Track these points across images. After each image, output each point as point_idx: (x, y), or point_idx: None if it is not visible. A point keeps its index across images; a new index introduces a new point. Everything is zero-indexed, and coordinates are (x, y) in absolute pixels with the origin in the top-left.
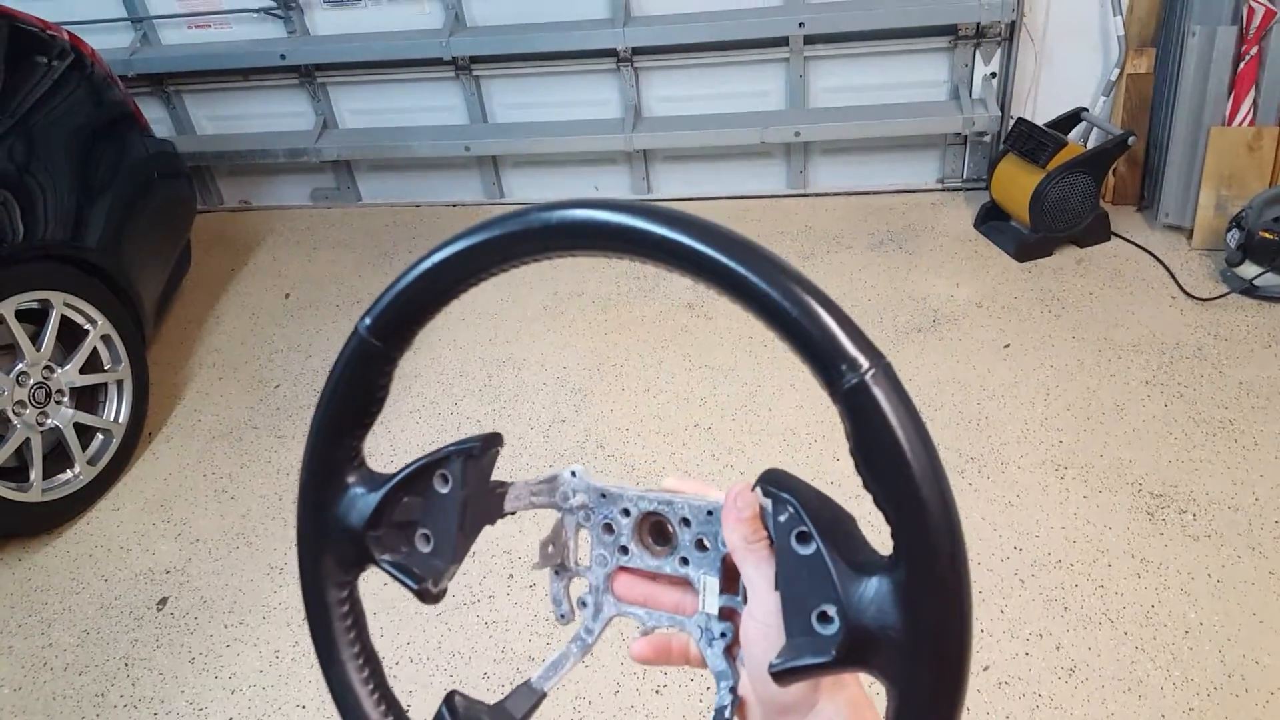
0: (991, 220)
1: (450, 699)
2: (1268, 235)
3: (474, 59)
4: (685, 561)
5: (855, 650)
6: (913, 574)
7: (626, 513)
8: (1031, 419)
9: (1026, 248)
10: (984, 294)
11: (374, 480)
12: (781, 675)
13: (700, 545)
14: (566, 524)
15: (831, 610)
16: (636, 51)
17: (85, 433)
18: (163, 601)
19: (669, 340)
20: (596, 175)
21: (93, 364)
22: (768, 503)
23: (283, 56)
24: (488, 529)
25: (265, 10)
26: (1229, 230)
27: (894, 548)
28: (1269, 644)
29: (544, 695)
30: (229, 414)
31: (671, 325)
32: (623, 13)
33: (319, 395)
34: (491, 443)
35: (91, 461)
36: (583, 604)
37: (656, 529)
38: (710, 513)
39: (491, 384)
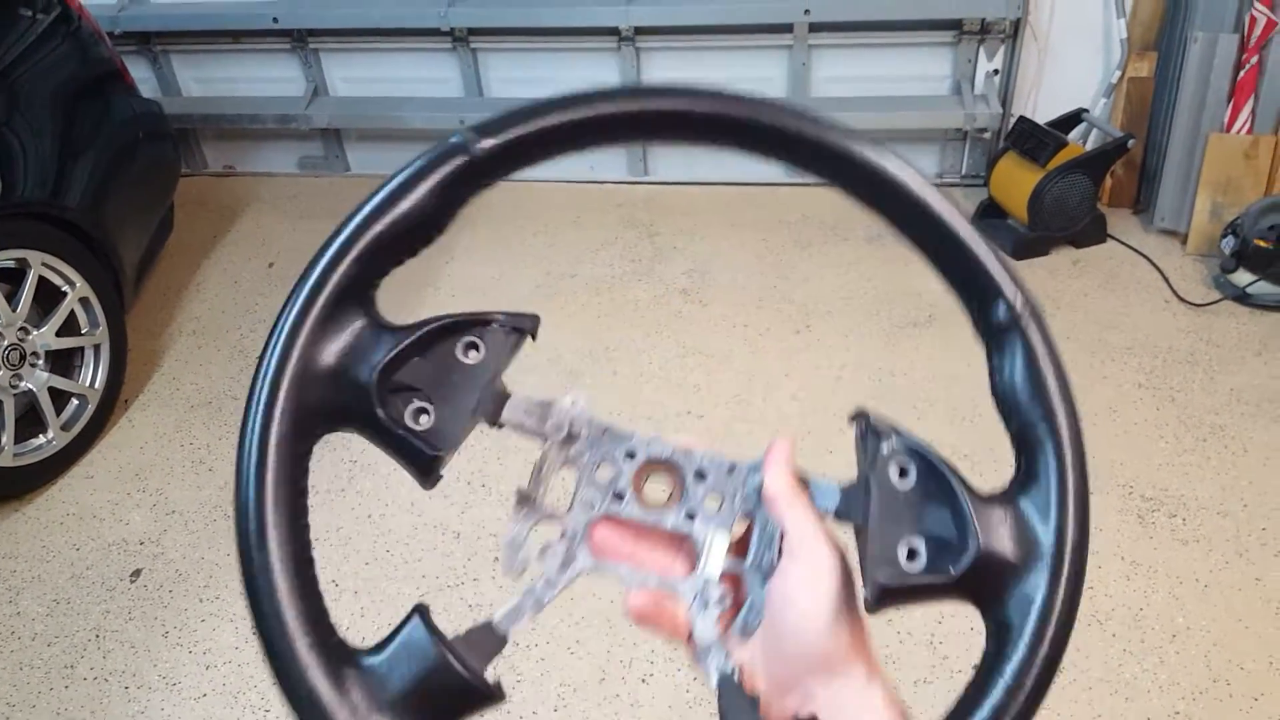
0: (989, 218)
1: (425, 613)
2: (1262, 243)
3: (472, 31)
4: (691, 517)
5: (976, 576)
6: (1061, 494)
7: (631, 455)
8: None
9: (1023, 246)
10: None
11: (383, 327)
12: (886, 595)
13: (712, 502)
14: (551, 458)
15: (920, 545)
16: (639, 31)
17: (60, 397)
18: (137, 573)
19: (663, 325)
20: (592, 155)
21: (70, 327)
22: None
23: (275, 20)
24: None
25: None
26: (1224, 237)
27: (1026, 472)
28: (1253, 649)
29: (506, 640)
30: (208, 384)
31: (665, 310)
32: None
33: (376, 189)
34: (534, 323)
35: (65, 427)
36: (548, 552)
37: (655, 479)
38: (732, 470)
39: None
